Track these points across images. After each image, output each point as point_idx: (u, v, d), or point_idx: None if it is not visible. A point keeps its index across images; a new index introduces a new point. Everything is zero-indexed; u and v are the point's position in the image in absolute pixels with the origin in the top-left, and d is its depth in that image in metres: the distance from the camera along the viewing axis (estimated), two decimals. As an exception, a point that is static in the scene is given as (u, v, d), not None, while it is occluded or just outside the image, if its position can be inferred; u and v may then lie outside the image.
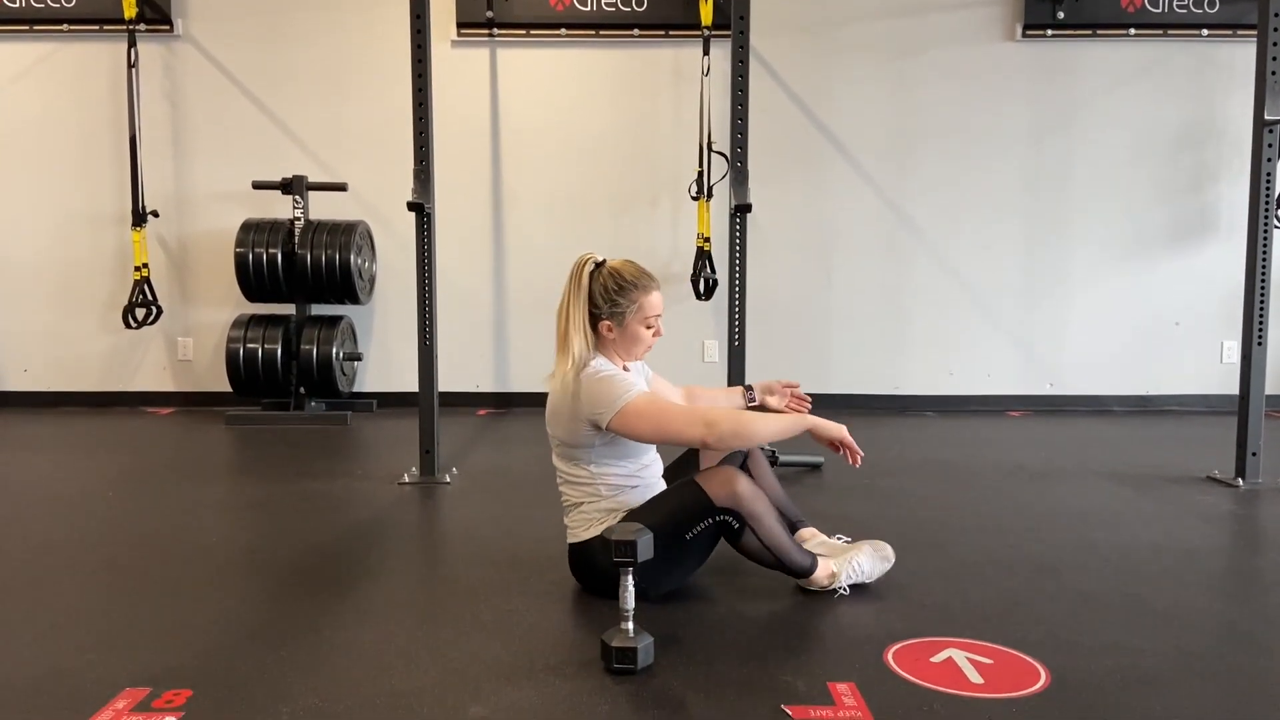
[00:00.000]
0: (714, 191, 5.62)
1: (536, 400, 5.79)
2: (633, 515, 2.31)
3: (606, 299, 2.35)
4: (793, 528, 2.58)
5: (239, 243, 5.21)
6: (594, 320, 2.38)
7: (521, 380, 5.79)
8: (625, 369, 2.44)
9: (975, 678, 1.94)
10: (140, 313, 5.52)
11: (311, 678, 1.93)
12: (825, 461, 4.12)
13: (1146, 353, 5.85)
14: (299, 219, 5.28)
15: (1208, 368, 5.82)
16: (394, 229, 5.60)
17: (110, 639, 2.14)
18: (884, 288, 5.84)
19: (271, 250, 5.19)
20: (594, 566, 2.35)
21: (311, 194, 5.40)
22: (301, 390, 5.29)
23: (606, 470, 2.37)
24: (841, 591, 2.39)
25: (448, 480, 3.74)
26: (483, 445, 4.64)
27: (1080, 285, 5.82)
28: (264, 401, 5.46)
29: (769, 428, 2.30)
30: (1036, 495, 3.64)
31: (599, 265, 2.40)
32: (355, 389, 5.70)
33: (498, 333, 5.78)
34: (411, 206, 3.64)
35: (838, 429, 2.32)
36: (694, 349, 5.79)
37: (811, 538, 2.58)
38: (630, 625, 1.95)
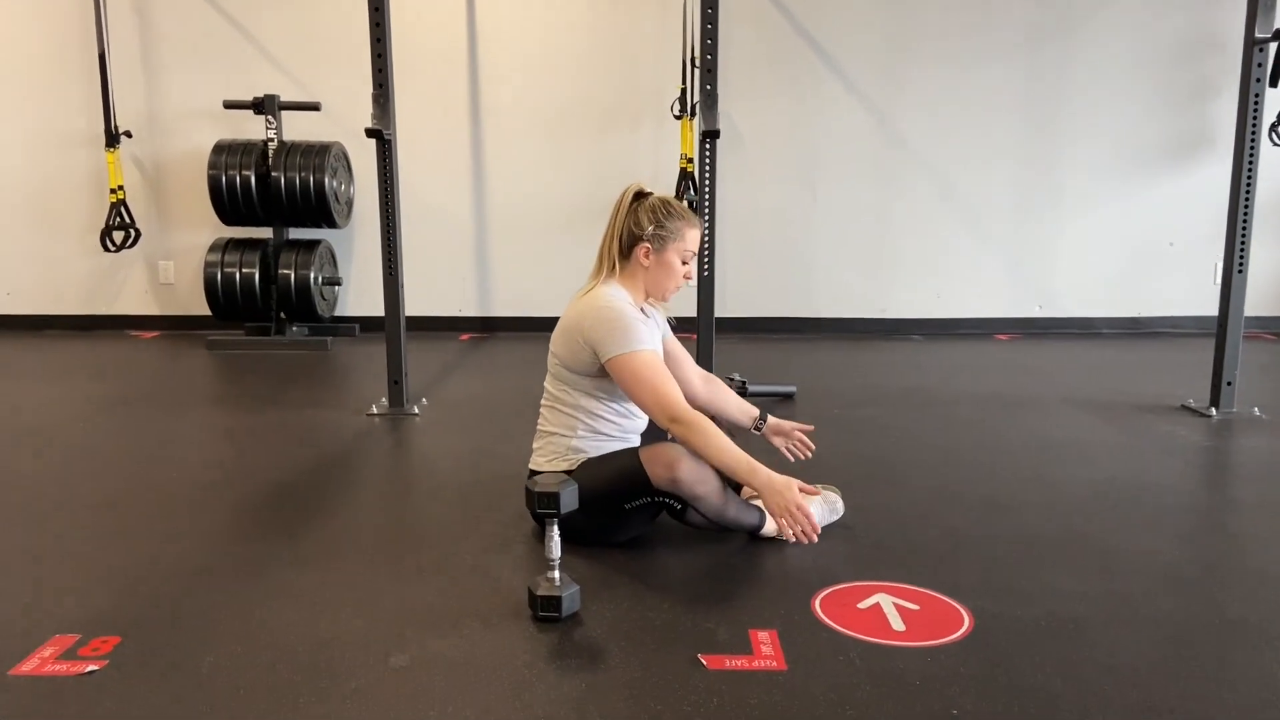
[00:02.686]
0: (697, 110, 5.47)
1: (520, 325, 5.81)
2: (584, 466, 2.31)
3: (652, 220, 2.35)
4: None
5: (211, 165, 5.13)
6: (633, 243, 2.36)
7: (504, 305, 5.75)
8: (643, 310, 2.41)
9: (898, 624, 1.95)
10: (118, 235, 5.48)
11: (241, 623, 1.95)
12: (796, 391, 4.09)
13: (1138, 274, 5.75)
14: (272, 140, 5.18)
15: (1201, 289, 5.72)
16: (372, 150, 5.46)
17: (49, 582, 2.17)
18: (872, 207, 5.72)
19: (245, 173, 5.11)
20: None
21: (286, 114, 5.29)
22: (282, 315, 5.28)
23: (594, 407, 2.35)
24: (789, 540, 2.38)
25: (416, 412, 3.74)
26: (459, 373, 4.64)
27: (1073, 204, 5.69)
28: (246, 326, 5.45)
29: (726, 457, 2.22)
30: (1006, 426, 3.62)
31: (646, 194, 2.40)
32: (337, 313, 5.68)
33: (479, 256, 5.72)
34: (370, 133, 3.56)
35: (783, 501, 2.21)
36: (678, 271, 5.72)
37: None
38: (556, 574, 1.96)
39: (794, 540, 2.31)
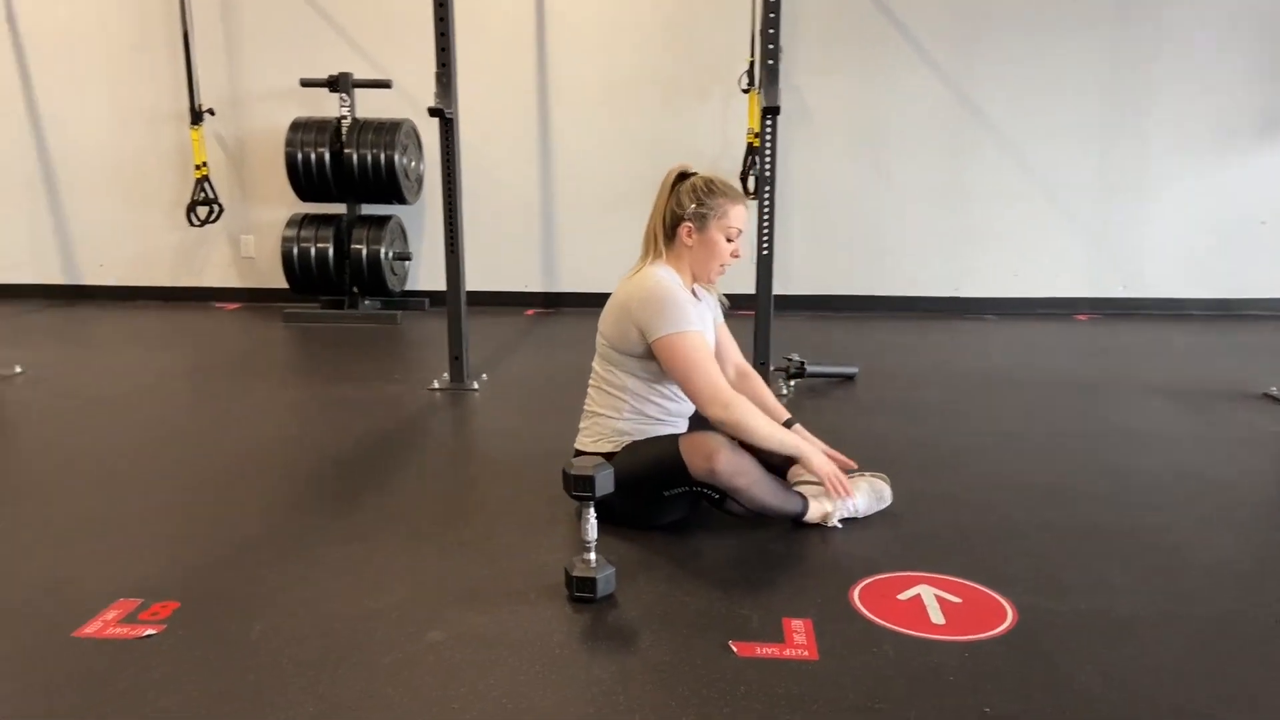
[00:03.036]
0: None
1: (585, 300, 5.84)
2: (627, 449, 2.32)
3: (693, 199, 2.33)
4: (785, 465, 2.54)
5: (288, 142, 5.26)
6: (675, 224, 2.36)
7: (571, 280, 5.79)
8: (694, 293, 2.41)
9: (937, 617, 1.92)
10: (202, 211, 5.68)
11: (290, 594, 2.02)
12: (858, 372, 4.03)
13: (1229, 253, 5.50)
14: (346, 117, 5.29)
15: (1297, 270, 5.45)
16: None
17: (120, 547, 2.28)
18: (946, 181, 5.58)
19: (320, 149, 5.23)
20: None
21: (359, 92, 5.39)
22: (354, 289, 5.41)
23: (640, 389, 2.35)
24: (836, 526, 2.36)
25: (475, 388, 3.80)
26: (522, 348, 4.69)
27: (1160, 180, 5.47)
28: (322, 299, 5.60)
29: (771, 436, 2.27)
30: (1077, 411, 3.51)
31: (690, 174, 2.39)
32: (408, 287, 5.79)
33: (545, 231, 5.76)
34: (433, 112, 3.59)
35: (827, 469, 2.29)
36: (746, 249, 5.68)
37: (806, 472, 2.53)
38: (592, 556, 1.98)
39: (836, 500, 2.32)
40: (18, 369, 4.12)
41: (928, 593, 2.03)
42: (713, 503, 2.26)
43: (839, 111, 5.54)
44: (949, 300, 5.70)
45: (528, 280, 5.79)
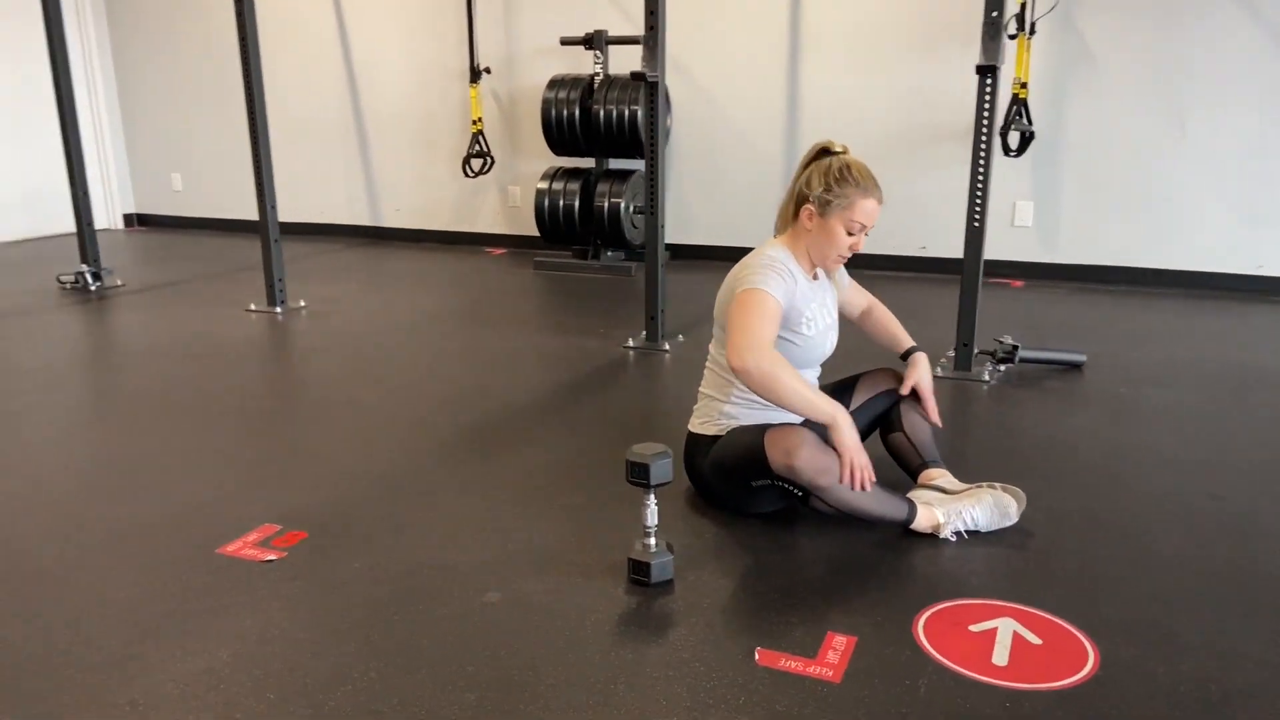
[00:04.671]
0: (1037, 28, 4.91)
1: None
2: (729, 434, 2.30)
3: (823, 183, 2.23)
4: (920, 469, 2.39)
5: (545, 98, 5.55)
6: (800, 203, 2.29)
7: (811, 237, 5.64)
8: (815, 276, 2.36)
9: (1001, 658, 1.75)
10: (476, 163, 6.18)
11: (394, 539, 2.24)
12: (1085, 360, 3.63)
13: None
14: (599, 74, 5.48)
15: None
16: (692, 79, 5.60)
17: (291, 475, 2.63)
18: (1257, 136, 4.77)
19: (571, 105, 5.47)
20: (693, 462, 2.40)
21: (615, 48, 5.55)
22: (597, 240, 5.65)
23: None
24: (948, 539, 2.20)
25: (667, 349, 3.88)
26: (738, 308, 4.69)
27: None
28: (573, 248, 5.92)
29: (796, 399, 2.09)
30: (1336, 430, 2.95)
31: (831, 152, 2.29)
32: (652, 239, 5.94)
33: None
34: (636, 76, 3.65)
35: (854, 441, 2.09)
36: (1002, 212, 5.24)
37: (938, 477, 2.36)
38: (651, 540, 2.00)
39: (853, 486, 2.11)
40: (302, 303, 4.78)
41: (1006, 627, 1.85)
42: (798, 500, 2.19)
43: (1129, 55, 4.90)
44: (1249, 279, 4.91)
45: (767, 236, 5.72)
